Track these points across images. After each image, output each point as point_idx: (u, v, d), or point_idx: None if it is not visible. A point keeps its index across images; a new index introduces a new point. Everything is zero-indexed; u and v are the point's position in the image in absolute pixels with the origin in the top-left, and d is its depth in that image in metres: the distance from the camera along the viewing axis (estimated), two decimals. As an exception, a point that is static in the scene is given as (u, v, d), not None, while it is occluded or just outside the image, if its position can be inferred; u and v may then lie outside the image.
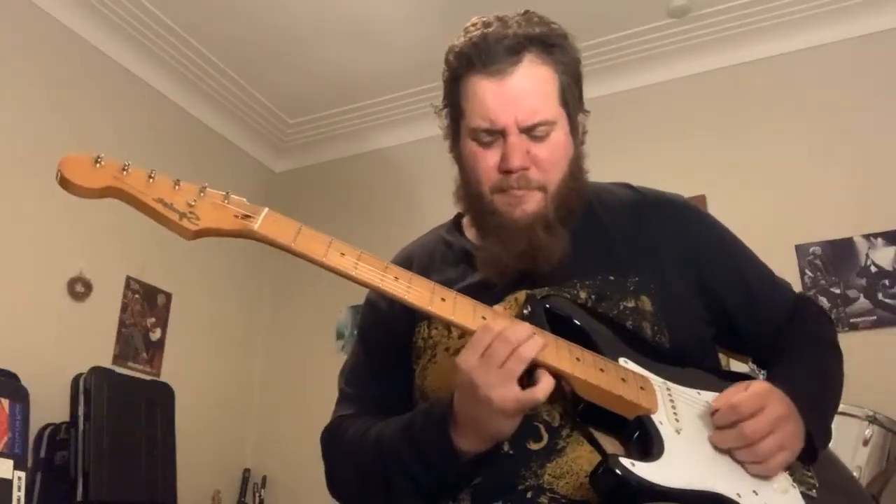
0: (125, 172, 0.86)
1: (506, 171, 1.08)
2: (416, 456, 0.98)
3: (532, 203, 1.08)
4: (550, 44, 1.10)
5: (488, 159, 1.09)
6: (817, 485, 1.01)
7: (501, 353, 0.88)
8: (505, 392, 0.88)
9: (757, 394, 0.96)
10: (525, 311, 1.00)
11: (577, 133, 1.15)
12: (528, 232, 1.07)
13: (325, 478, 1.16)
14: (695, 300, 1.13)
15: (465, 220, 1.23)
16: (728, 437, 0.95)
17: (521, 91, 1.07)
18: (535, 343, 0.90)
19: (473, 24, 1.11)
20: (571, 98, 1.13)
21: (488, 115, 1.07)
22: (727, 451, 0.95)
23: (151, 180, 0.87)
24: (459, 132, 1.15)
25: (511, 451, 0.99)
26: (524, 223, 1.08)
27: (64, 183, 0.84)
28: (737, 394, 0.97)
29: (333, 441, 1.15)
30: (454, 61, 1.12)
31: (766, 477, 0.95)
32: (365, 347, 1.24)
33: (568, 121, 1.12)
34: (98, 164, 0.86)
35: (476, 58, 1.08)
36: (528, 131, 1.07)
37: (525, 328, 0.91)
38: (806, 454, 1.00)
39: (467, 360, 0.90)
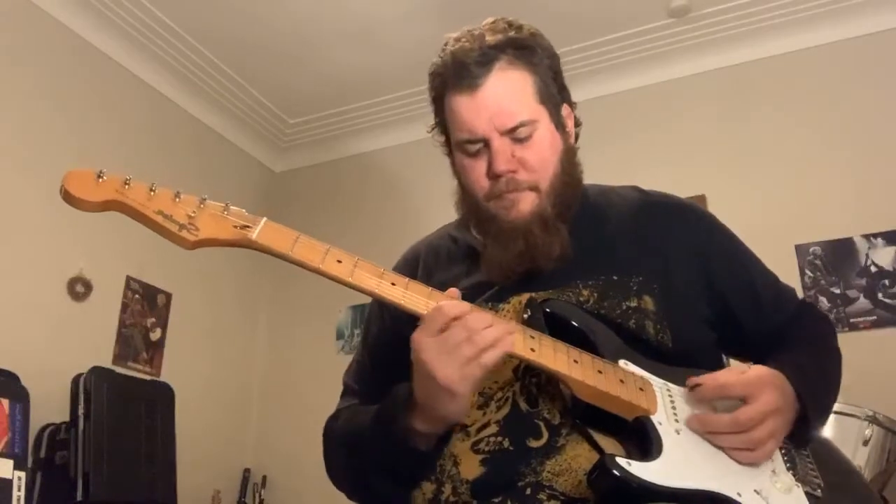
0: (127, 186, 0.88)
1: (494, 177, 1.10)
2: (380, 434, 1.01)
3: (526, 203, 1.10)
4: (519, 46, 1.12)
5: (477, 169, 1.12)
6: (822, 484, 1.01)
7: (457, 336, 0.90)
8: (450, 372, 0.89)
9: (749, 381, 0.97)
10: (525, 316, 1.01)
11: (562, 127, 1.17)
12: (524, 233, 1.09)
13: (325, 465, 1.18)
14: (699, 301, 1.14)
15: None
16: (721, 421, 0.96)
17: (494, 97, 1.09)
18: (490, 333, 0.90)
19: (447, 43, 1.15)
20: (550, 94, 1.15)
21: (467, 127, 1.11)
22: (716, 438, 0.96)
23: (152, 193, 0.89)
24: (452, 147, 1.18)
25: (511, 448, 1.00)
26: (521, 224, 1.09)
27: (67, 197, 0.86)
28: (728, 375, 0.98)
29: (330, 429, 1.19)
30: (432, 82, 1.16)
31: (754, 465, 0.96)
32: (370, 344, 1.26)
33: (550, 117, 1.14)
34: (100, 179, 0.88)
35: (449, 76, 1.12)
36: (510, 134, 1.09)
37: (485, 317, 0.92)
38: (798, 439, 1.02)
39: (418, 337, 0.92)
